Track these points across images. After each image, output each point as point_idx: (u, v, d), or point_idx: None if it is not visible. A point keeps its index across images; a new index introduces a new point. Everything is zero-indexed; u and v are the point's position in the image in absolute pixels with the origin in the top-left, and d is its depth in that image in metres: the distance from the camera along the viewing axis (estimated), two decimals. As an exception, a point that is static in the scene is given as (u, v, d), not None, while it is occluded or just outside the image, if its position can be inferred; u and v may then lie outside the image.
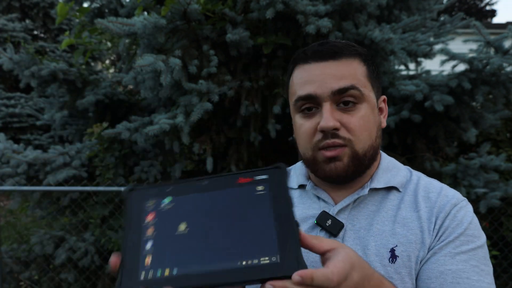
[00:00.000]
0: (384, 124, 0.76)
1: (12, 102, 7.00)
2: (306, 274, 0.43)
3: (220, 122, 2.60)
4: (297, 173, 0.82)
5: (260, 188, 0.51)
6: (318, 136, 0.69)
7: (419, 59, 2.91)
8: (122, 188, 2.49)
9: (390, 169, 0.76)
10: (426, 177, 0.77)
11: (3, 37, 7.22)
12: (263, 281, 0.44)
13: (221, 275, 0.45)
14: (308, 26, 2.17)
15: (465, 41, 2.54)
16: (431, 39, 2.81)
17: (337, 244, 0.51)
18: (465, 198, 0.73)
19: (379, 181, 0.73)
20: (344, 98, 0.68)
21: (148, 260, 0.48)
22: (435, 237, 0.68)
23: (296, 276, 0.43)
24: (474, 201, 2.55)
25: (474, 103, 2.57)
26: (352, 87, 0.68)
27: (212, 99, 2.26)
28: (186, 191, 0.53)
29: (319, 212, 0.73)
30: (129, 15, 3.03)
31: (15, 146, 2.76)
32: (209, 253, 0.47)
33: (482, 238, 0.69)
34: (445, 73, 2.63)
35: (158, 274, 0.47)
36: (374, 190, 0.73)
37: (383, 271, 0.65)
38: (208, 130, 2.56)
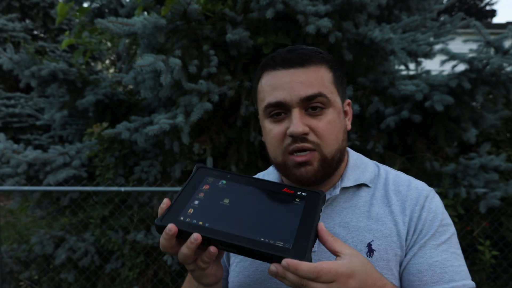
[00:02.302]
0: (349, 127, 0.80)
1: (12, 102, 7.00)
2: (293, 263, 0.52)
3: (220, 122, 2.60)
4: (270, 177, 0.86)
5: (297, 200, 0.64)
6: (288, 140, 0.71)
7: (419, 59, 2.91)
8: (122, 188, 2.48)
9: (358, 166, 0.80)
10: (393, 170, 0.82)
11: (3, 37, 7.22)
12: (271, 258, 0.54)
13: (240, 239, 0.56)
14: (308, 26, 2.17)
15: (465, 41, 2.54)
16: (431, 39, 2.81)
17: (350, 251, 0.58)
18: (432, 188, 0.79)
19: (349, 179, 0.77)
20: (312, 104, 0.71)
21: (190, 211, 0.61)
22: (415, 229, 0.72)
23: (284, 261, 0.52)
24: (474, 201, 2.55)
25: (474, 103, 2.57)
26: (320, 95, 0.70)
27: (212, 99, 2.26)
28: (240, 181, 0.67)
29: None
30: (129, 15, 3.03)
31: (15, 146, 2.76)
32: (238, 223, 0.59)
33: (452, 224, 0.76)
34: (445, 73, 2.63)
35: (193, 222, 0.59)
36: (345, 188, 0.77)
37: None
38: (208, 130, 2.56)
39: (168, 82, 2.13)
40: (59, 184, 2.62)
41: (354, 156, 0.82)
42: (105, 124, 3.20)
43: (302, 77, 0.71)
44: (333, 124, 0.72)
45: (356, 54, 2.55)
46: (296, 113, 0.70)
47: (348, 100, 0.81)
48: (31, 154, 2.69)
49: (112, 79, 3.21)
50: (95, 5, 3.34)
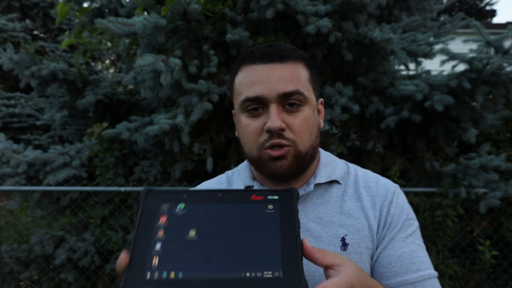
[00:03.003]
0: (322, 125, 0.82)
1: (12, 102, 7.00)
2: None
3: (220, 122, 2.60)
4: (241, 175, 0.86)
5: (270, 207, 0.55)
6: (264, 136, 0.72)
7: (419, 59, 2.91)
8: (122, 188, 2.48)
9: (329, 163, 0.83)
10: (360, 168, 0.86)
11: (3, 37, 7.22)
12: None
13: (225, 284, 0.47)
14: (308, 26, 2.17)
15: (465, 41, 2.54)
16: (431, 39, 2.81)
17: (340, 260, 0.55)
18: (397, 185, 0.83)
19: (322, 176, 0.79)
20: (289, 101, 0.72)
21: (155, 261, 0.49)
22: (384, 223, 0.76)
23: None
24: (474, 201, 2.55)
25: (474, 103, 2.57)
26: (297, 92, 0.71)
27: (212, 99, 2.26)
28: (200, 200, 0.56)
29: None
30: (129, 15, 3.03)
31: (15, 146, 2.76)
32: (215, 261, 0.49)
33: (416, 218, 0.80)
34: (445, 73, 2.63)
35: (164, 276, 0.48)
36: (317, 184, 0.79)
37: None
38: (208, 130, 2.56)
39: (168, 82, 2.13)
40: (59, 184, 2.62)
41: (324, 154, 0.85)
42: (105, 124, 3.20)
43: (280, 72, 0.71)
44: (308, 121, 0.74)
45: (356, 54, 2.55)
46: (273, 108, 0.71)
47: (321, 99, 0.83)
48: (31, 154, 2.69)
49: (112, 79, 3.21)
50: (95, 5, 3.34)
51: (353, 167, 0.85)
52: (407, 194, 2.58)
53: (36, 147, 3.21)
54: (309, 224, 0.76)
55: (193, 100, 2.23)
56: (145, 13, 2.89)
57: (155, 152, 2.73)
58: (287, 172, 0.73)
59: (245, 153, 0.79)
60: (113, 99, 2.94)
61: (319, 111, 0.81)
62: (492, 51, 2.44)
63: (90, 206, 2.77)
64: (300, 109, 0.73)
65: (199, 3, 2.23)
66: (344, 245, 0.74)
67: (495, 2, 18.56)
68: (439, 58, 2.59)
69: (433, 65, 3.07)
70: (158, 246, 0.51)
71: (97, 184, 2.69)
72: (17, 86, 7.17)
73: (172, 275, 0.48)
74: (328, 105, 2.46)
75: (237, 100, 0.76)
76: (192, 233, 0.52)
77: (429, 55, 2.76)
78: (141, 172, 2.66)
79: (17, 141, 6.44)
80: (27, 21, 8.02)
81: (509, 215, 2.74)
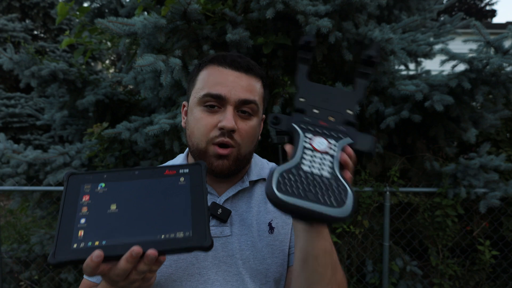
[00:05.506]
0: (259, 138, 0.91)
1: (12, 102, 6.99)
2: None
3: (220, 122, 2.60)
4: None
5: (182, 179, 0.63)
6: (216, 132, 0.80)
7: (419, 59, 2.91)
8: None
9: (257, 164, 0.94)
10: (276, 165, 0.97)
11: (3, 37, 7.22)
12: (178, 251, 0.56)
13: (144, 246, 0.54)
14: (308, 26, 2.17)
15: (465, 41, 2.53)
16: (431, 39, 2.81)
17: None
18: None
19: (254, 174, 0.90)
20: (244, 108, 0.81)
21: (81, 233, 0.56)
22: None
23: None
24: (474, 201, 2.55)
25: (474, 103, 2.57)
26: (253, 102, 0.82)
27: (212, 99, 2.26)
28: (119, 179, 0.62)
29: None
30: (129, 15, 3.04)
31: (15, 146, 2.76)
32: (134, 228, 0.57)
33: None
34: (445, 73, 2.63)
35: (89, 244, 0.55)
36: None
37: (266, 241, 0.84)
38: (208, 130, 2.56)
39: (168, 82, 2.13)
40: (59, 184, 2.62)
41: (255, 156, 0.95)
42: (105, 124, 3.19)
43: (244, 82, 0.81)
44: (254, 130, 0.84)
45: (356, 54, 2.55)
46: (230, 110, 0.79)
47: (264, 116, 0.93)
48: (31, 154, 2.69)
49: (112, 79, 3.21)
50: (95, 5, 3.34)
51: (272, 164, 0.98)
52: (407, 194, 2.59)
53: (36, 147, 3.21)
54: (243, 215, 0.86)
55: (193, 100, 2.23)
56: (145, 13, 2.89)
57: (155, 152, 2.73)
58: (225, 172, 0.82)
59: (190, 143, 0.84)
60: (113, 99, 2.94)
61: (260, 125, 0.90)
62: (492, 51, 2.44)
63: (90, 206, 2.76)
64: (250, 118, 0.83)
65: (199, 3, 2.23)
66: (271, 228, 0.85)
67: (495, 2, 18.56)
68: (439, 58, 2.59)
69: (433, 65, 3.08)
70: (82, 220, 0.57)
71: (97, 184, 2.68)
72: (17, 86, 7.18)
73: (97, 243, 0.55)
74: (328, 105, 2.45)
75: (197, 94, 0.82)
76: (113, 207, 0.59)
77: (429, 55, 2.76)
78: (141, 172, 2.66)
79: (17, 141, 6.44)
80: (27, 21, 8.02)
81: (509, 215, 2.74)
